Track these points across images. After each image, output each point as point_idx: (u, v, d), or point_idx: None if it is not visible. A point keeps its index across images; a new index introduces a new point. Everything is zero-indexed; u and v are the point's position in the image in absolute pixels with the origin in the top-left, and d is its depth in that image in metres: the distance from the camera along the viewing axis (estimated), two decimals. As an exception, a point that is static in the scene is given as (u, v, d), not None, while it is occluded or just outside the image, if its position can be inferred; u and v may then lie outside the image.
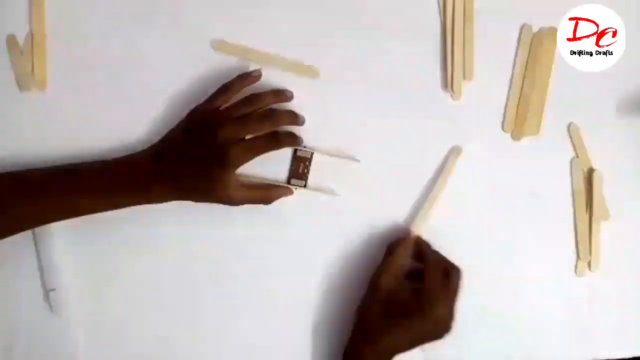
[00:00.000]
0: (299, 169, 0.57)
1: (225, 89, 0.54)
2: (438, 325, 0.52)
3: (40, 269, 0.55)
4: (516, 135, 0.59)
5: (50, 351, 0.56)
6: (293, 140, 0.54)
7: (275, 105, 0.55)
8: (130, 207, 0.52)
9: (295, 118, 0.55)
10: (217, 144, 0.51)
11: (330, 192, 0.57)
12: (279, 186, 0.56)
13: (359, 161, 0.58)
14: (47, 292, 0.55)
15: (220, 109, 0.54)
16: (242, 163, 0.52)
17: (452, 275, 0.54)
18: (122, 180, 0.52)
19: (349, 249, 0.58)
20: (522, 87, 0.58)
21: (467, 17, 0.58)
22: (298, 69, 0.57)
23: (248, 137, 0.52)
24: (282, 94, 0.55)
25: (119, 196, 0.52)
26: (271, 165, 0.57)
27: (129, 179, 0.52)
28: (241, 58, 0.57)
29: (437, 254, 0.56)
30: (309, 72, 0.58)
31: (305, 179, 0.57)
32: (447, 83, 0.58)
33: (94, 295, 0.57)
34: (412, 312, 0.52)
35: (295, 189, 0.57)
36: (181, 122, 0.54)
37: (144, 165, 0.52)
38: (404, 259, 0.55)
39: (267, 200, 0.55)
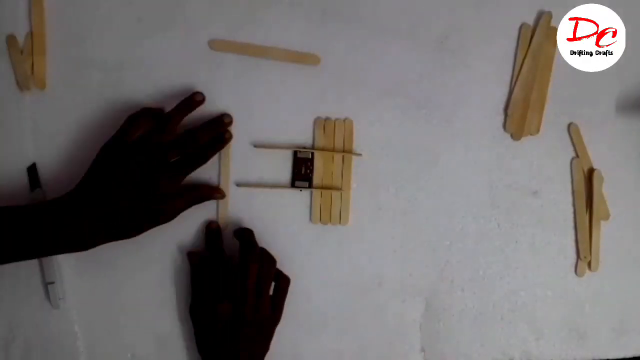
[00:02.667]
0: (302, 171, 0.57)
1: (165, 121, 0.53)
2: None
3: (39, 262, 0.55)
4: (516, 135, 0.59)
5: (49, 344, 0.56)
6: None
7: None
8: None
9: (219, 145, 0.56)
10: (157, 198, 0.51)
11: (336, 188, 0.57)
12: (208, 186, 0.56)
13: (360, 155, 0.58)
14: (46, 285, 0.55)
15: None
16: (173, 190, 0.53)
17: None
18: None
19: (354, 244, 0.58)
20: (522, 87, 0.58)
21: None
22: (297, 58, 0.57)
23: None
24: (219, 124, 0.55)
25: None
26: (273, 170, 0.57)
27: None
28: (239, 54, 0.57)
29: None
30: (309, 59, 0.58)
31: (309, 179, 0.57)
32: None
33: (92, 288, 0.57)
34: None
35: (300, 190, 0.57)
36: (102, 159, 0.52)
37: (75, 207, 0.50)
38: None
39: (200, 200, 0.55)
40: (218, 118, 0.56)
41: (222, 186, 0.56)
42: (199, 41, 0.57)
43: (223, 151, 0.56)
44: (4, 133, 0.56)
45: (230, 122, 0.56)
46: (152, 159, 0.52)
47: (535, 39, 0.58)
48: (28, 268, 0.56)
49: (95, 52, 0.57)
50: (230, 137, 0.56)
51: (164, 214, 0.52)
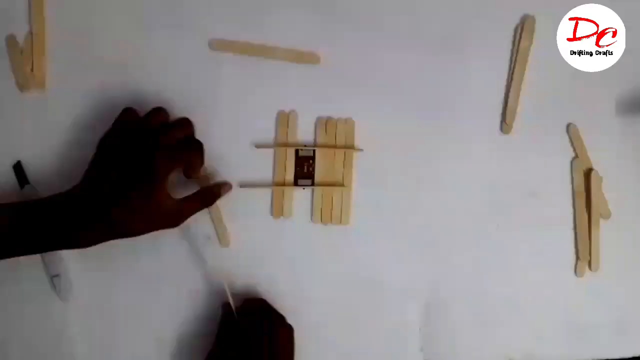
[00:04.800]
0: (304, 169, 0.57)
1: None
2: None
3: (42, 257, 0.55)
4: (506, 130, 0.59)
5: (48, 343, 0.56)
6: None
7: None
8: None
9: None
10: (141, 155, 0.50)
11: (337, 185, 0.58)
12: (216, 184, 0.55)
13: (362, 150, 0.58)
14: (51, 278, 0.55)
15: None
16: (169, 171, 0.51)
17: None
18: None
19: (354, 244, 0.58)
20: (515, 89, 0.58)
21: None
22: (297, 57, 0.57)
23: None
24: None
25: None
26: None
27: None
28: (239, 54, 0.57)
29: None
30: (309, 59, 0.58)
31: (312, 177, 0.57)
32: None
33: (92, 289, 0.56)
34: None
35: (303, 188, 0.57)
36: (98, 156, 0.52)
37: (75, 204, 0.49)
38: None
39: (209, 202, 0.54)
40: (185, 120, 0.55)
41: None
42: (199, 41, 0.57)
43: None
44: (4, 133, 0.56)
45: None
46: (147, 139, 0.50)
47: (523, 42, 0.58)
48: (28, 269, 0.56)
49: (95, 52, 0.57)
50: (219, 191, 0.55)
51: (172, 219, 0.52)
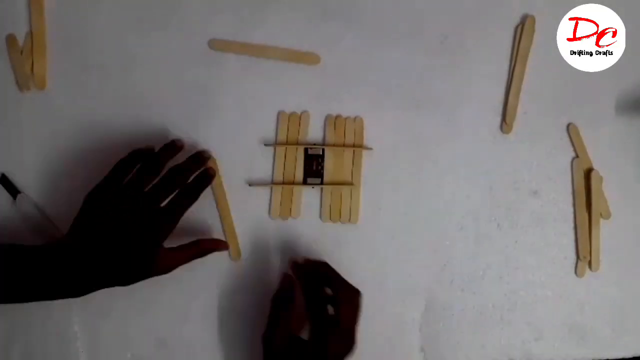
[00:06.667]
0: (313, 167, 0.57)
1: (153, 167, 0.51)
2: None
3: None
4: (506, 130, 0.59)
5: (49, 344, 0.56)
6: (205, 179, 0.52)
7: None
8: None
9: (202, 160, 0.54)
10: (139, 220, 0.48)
11: (347, 184, 0.58)
12: (214, 239, 0.54)
13: (371, 149, 0.58)
14: None
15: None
16: (168, 235, 0.50)
17: (343, 304, 0.51)
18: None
19: (354, 243, 0.58)
20: (515, 89, 0.58)
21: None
22: (297, 58, 0.57)
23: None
24: (201, 159, 0.53)
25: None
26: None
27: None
28: (239, 54, 0.57)
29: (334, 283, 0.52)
30: (309, 59, 0.58)
31: (321, 176, 0.57)
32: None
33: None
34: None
35: (312, 187, 0.57)
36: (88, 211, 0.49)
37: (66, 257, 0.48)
38: (299, 309, 0.51)
39: (202, 254, 0.52)
40: (198, 154, 0.54)
41: (225, 218, 0.56)
42: (199, 41, 0.57)
43: (216, 187, 0.56)
44: (4, 133, 0.56)
45: (209, 158, 0.55)
46: (145, 207, 0.49)
47: (523, 42, 0.58)
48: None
49: (95, 52, 0.57)
50: (213, 173, 0.53)
51: (161, 270, 0.50)
